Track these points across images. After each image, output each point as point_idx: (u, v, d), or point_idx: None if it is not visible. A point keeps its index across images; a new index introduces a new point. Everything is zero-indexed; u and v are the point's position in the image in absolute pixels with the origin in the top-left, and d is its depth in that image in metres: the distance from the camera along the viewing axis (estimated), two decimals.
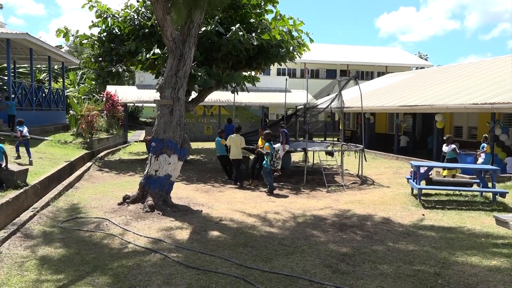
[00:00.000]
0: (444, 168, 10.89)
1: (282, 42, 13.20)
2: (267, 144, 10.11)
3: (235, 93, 14.84)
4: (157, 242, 6.04)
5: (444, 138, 11.65)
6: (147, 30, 13.78)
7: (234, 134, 11.20)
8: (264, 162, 10.15)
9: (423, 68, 37.57)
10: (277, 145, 11.55)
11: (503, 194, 9.02)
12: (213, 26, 11.83)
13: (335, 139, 22.42)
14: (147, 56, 12.39)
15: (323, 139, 21.34)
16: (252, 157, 12.91)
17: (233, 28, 11.76)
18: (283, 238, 6.36)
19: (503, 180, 11.61)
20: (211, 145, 19.25)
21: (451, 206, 8.78)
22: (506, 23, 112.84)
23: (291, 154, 13.65)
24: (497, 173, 10.45)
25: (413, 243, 6.24)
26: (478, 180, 9.65)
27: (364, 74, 40.73)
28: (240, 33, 11.66)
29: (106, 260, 5.30)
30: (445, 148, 11.41)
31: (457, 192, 9.80)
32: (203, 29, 11.76)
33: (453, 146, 11.19)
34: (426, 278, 4.88)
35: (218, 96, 25.73)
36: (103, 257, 5.41)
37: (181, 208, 8.07)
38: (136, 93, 26.14)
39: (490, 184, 9.37)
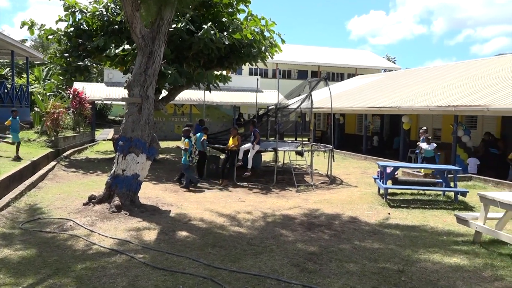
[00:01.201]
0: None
1: (254, 42, 13.20)
2: (186, 140, 10.31)
3: (209, 91, 14.73)
4: (123, 243, 5.91)
5: (429, 137, 12.11)
6: (116, 26, 13.46)
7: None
8: (183, 158, 10.34)
9: (392, 70, 38.56)
10: (247, 145, 11.57)
11: (464, 194, 9.39)
12: (184, 24, 11.70)
13: (306, 139, 22.68)
14: (116, 51, 12.11)
15: (293, 139, 21.51)
16: (222, 156, 12.87)
17: (205, 26, 11.67)
18: (252, 238, 6.37)
19: (465, 180, 12.08)
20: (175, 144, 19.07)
21: (415, 205, 9.04)
22: (470, 29, 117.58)
23: (262, 154, 13.70)
24: (459, 173, 10.88)
25: (379, 241, 6.39)
26: (441, 180, 10.00)
27: (335, 75, 41.43)
28: (212, 31, 11.58)
29: (69, 262, 5.14)
30: (426, 146, 11.85)
31: (421, 192, 10.10)
32: (174, 26, 11.61)
33: (435, 145, 11.81)
34: (390, 275, 5.01)
35: (189, 95, 25.49)
36: (66, 259, 5.24)
37: (149, 208, 7.94)
38: (105, 91, 25.52)
39: (452, 184, 9.72)
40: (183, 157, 10.32)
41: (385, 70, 40.67)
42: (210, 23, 11.97)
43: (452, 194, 9.65)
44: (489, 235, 6.25)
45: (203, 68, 13.93)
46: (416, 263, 5.43)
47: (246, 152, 11.47)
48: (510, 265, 5.38)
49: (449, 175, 9.94)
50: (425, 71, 23.49)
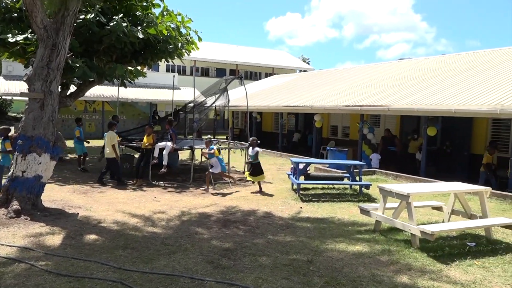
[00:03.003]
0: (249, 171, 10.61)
1: (170, 38, 12.92)
2: (7, 141, 9.20)
3: (124, 86, 14.07)
4: (22, 251, 5.43)
5: (255, 142, 10.67)
6: (15, 14, 12.26)
7: (109, 131, 10.72)
8: (5, 160, 9.31)
9: (306, 71, 40.35)
10: (163, 143, 11.32)
11: (367, 186, 10.19)
12: (93, 15, 11.04)
13: (224, 137, 22.80)
14: (17, 39, 11.02)
15: (212, 137, 21.43)
16: (137, 155, 12.43)
17: (116, 17, 11.13)
18: (166, 238, 6.26)
19: (369, 174, 13.10)
20: (94, 143, 18.01)
21: (325, 199, 9.59)
22: (376, 35, 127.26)
23: (179, 152, 13.49)
24: (364, 168, 11.77)
25: (291, 234, 6.67)
26: (348, 174, 10.73)
27: (253, 74, 42.24)
28: (124, 24, 11.09)
29: None
30: (250, 151, 10.67)
31: (331, 186, 10.75)
32: (82, 17, 10.92)
33: (257, 149, 10.55)
34: (300, 266, 5.26)
35: (101, 91, 24.21)
36: None
37: (54, 211, 7.40)
38: (3, 85, 23.14)
39: (357, 178, 10.48)
40: (1, 159, 9.05)
41: (300, 71, 42.41)
42: (122, 15, 11.46)
43: (358, 187, 10.41)
44: (387, 223, 6.86)
45: (115, 63, 13.29)
46: (323, 253, 5.77)
47: (162, 150, 11.21)
48: (404, 250, 5.96)
49: (355, 170, 10.70)
50: (336, 72, 24.96)
